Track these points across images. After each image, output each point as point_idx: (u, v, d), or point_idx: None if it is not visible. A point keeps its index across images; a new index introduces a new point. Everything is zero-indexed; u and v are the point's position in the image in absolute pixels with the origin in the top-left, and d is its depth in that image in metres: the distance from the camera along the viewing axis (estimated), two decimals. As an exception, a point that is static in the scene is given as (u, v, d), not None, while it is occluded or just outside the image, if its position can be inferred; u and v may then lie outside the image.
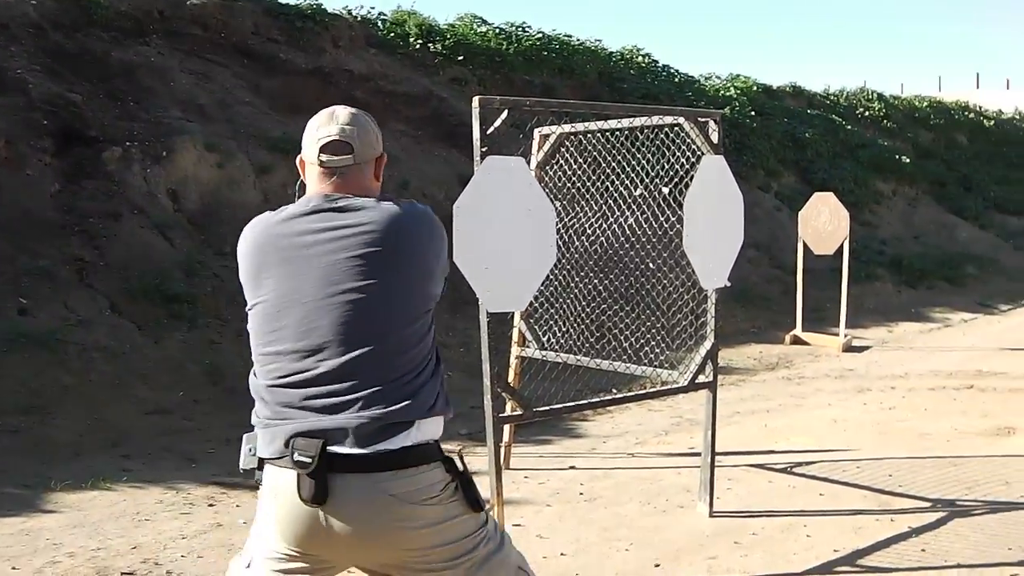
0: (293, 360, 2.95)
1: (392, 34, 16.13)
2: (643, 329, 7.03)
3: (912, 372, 11.68)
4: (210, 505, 6.45)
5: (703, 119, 6.09)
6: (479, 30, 17.43)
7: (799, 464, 7.59)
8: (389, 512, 2.86)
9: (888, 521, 6.29)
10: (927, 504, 6.67)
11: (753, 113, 21.07)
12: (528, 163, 5.97)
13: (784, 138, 21.49)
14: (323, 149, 3.07)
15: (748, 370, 11.73)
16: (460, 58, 16.31)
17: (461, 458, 3.01)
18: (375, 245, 2.96)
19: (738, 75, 23.02)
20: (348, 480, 2.84)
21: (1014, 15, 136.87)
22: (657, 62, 20.70)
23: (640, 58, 20.28)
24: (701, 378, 6.22)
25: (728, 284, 6.09)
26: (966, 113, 30.54)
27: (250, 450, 3.04)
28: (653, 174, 6.43)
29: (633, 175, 6.55)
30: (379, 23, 16.26)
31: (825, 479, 7.22)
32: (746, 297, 15.49)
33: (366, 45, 15.60)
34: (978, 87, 45.39)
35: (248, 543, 3.07)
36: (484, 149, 5.08)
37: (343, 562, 3.05)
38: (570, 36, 18.77)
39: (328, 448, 2.82)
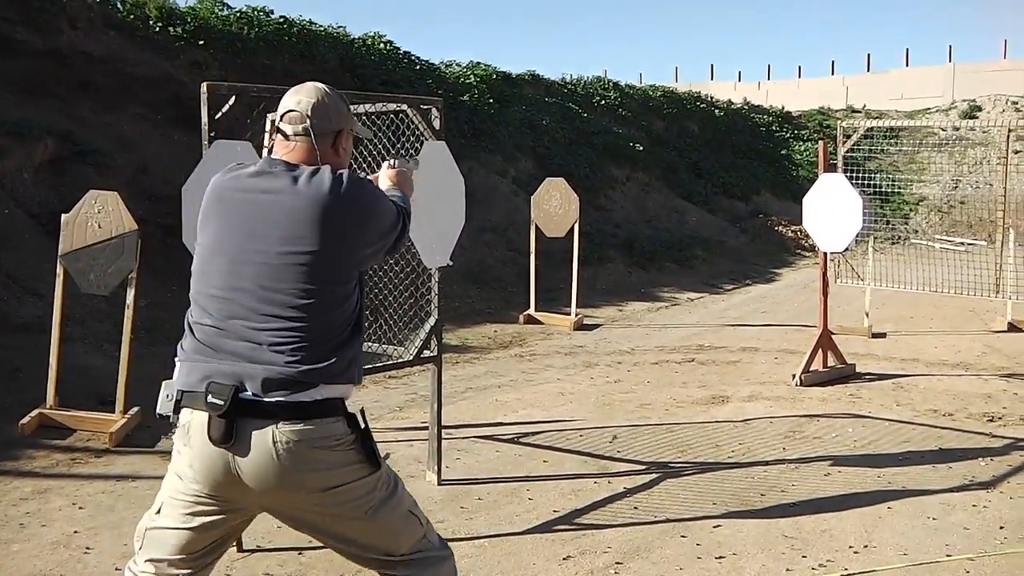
0: (216, 303, 3.17)
1: (132, 16, 15.69)
2: (374, 306, 7.26)
3: (639, 348, 12.20)
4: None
5: (426, 106, 6.34)
6: (220, 14, 17.18)
7: (526, 434, 7.94)
8: (290, 455, 3.06)
9: (606, 483, 6.71)
10: (643, 467, 7.12)
11: (492, 100, 21.36)
12: (260, 147, 6.12)
13: (522, 125, 21.84)
14: (282, 118, 3.36)
15: (483, 349, 12.01)
16: (200, 42, 16.06)
17: (363, 415, 3.25)
18: (296, 212, 3.18)
19: (478, 63, 23.21)
20: (253, 425, 3.05)
21: (743, 15, 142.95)
22: (399, 49, 20.67)
23: (381, 45, 20.25)
24: (427, 353, 6.48)
25: (451, 263, 6.35)
26: (698, 103, 31.58)
27: (167, 396, 3.25)
28: (381, 159, 6.65)
29: (361, 160, 6.77)
30: (118, 4, 15.72)
31: (549, 447, 7.60)
32: (482, 279, 15.82)
33: (104, 27, 15.13)
34: (712, 78, 47.38)
35: (159, 494, 3.25)
36: (212, 134, 5.28)
37: (253, 505, 3.23)
38: (312, 22, 18.68)
39: (239, 394, 3.05)
